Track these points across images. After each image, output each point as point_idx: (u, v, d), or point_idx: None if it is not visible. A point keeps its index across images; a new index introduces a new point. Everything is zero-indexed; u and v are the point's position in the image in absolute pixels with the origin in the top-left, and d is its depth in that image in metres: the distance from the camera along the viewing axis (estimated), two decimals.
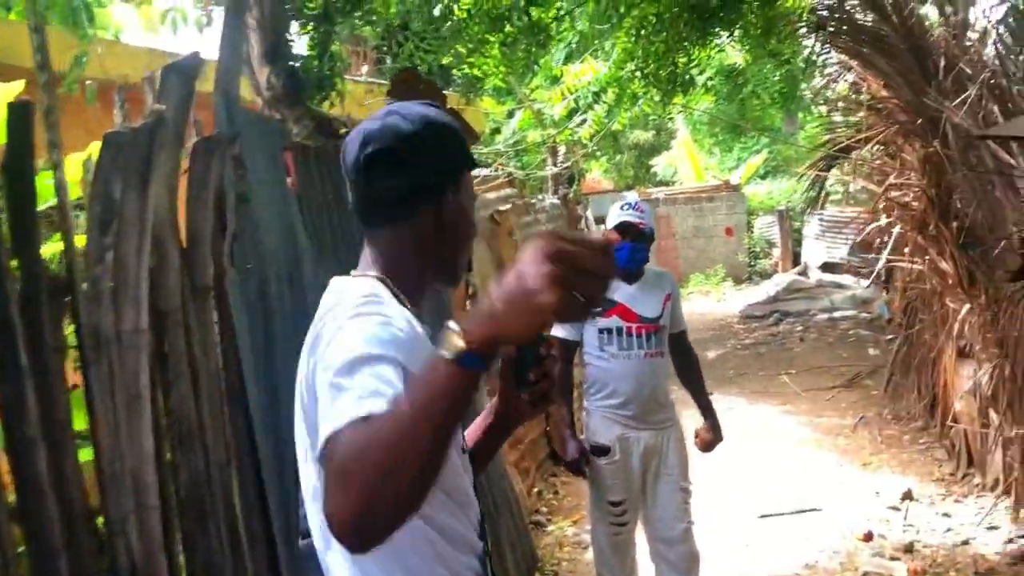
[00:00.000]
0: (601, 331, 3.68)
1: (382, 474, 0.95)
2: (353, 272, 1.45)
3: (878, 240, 10.67)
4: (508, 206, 6.23)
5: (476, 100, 9.78)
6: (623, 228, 3.56)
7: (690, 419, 4.10)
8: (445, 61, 5.61)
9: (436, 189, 1.41)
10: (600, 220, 21.27)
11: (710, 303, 17.38)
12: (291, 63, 4.36)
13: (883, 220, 6.79)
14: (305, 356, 1.31)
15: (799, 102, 10.94)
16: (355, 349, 1.14)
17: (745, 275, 19.55)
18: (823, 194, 8.94)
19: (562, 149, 8.82)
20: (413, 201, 1.40)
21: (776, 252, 19.41)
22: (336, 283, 1.43)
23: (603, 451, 3.67)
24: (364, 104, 5.21)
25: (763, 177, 22.20)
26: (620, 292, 3.60)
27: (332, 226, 3.44)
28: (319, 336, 1.26)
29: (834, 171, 8.08)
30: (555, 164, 8.27)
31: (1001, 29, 5.15)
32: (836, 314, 12.55)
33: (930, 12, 6.46)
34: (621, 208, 3.66)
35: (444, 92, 4.86)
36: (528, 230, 6.58)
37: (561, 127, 9.17)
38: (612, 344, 3.65)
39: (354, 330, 1.19)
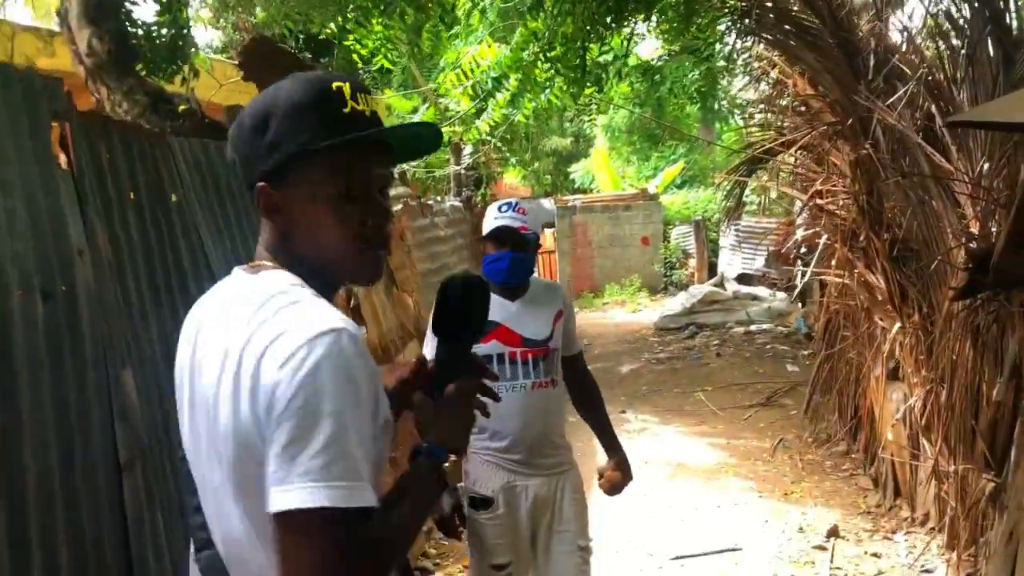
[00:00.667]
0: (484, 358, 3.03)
1: (379, 568, 1.13)
2: (253, 263, 1.33)
3: (795, 252, 10.36)
4: (399, 207, 5.53)
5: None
6: (501, 234, 2.98)
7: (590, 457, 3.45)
8: (323, 33, 4.87)
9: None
10: None
11: (625, 314, 16.94)
12: (123, 25, 3.60)
13: (806, 230, 6.31)
14: (229, 363, 1.17)
15: (717, 113, 10.53)
16: (330, 404, 1.09)
17: (661, 285, 19.28)
18: (740, 203, 8.47)
19: (467, 149, 8.16)
20: (273, 186, 1.28)
21: (692, 262, 19.16)
22: (245, 278, 1.30)
23: (485, 503, 3.00)
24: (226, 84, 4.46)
25: (680, 186, 22.02)
26: (500, 311, 2.97)
27: (148, 226, 2.71)
28: (262, 352, 1.13)
29: (752, 179, 7.63)
30: (457, 163, 7.59)
31: (942, 20, 4.68)
32: (752, 327, 12.19)
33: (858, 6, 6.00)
34: (499, 210, 3.04)
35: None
36: (424, 235, 5.89)
37: (469, 124, 8.52)
38: None
39: (325, 368, 1.10)
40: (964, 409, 4.36)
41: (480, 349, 2.89)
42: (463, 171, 7.92)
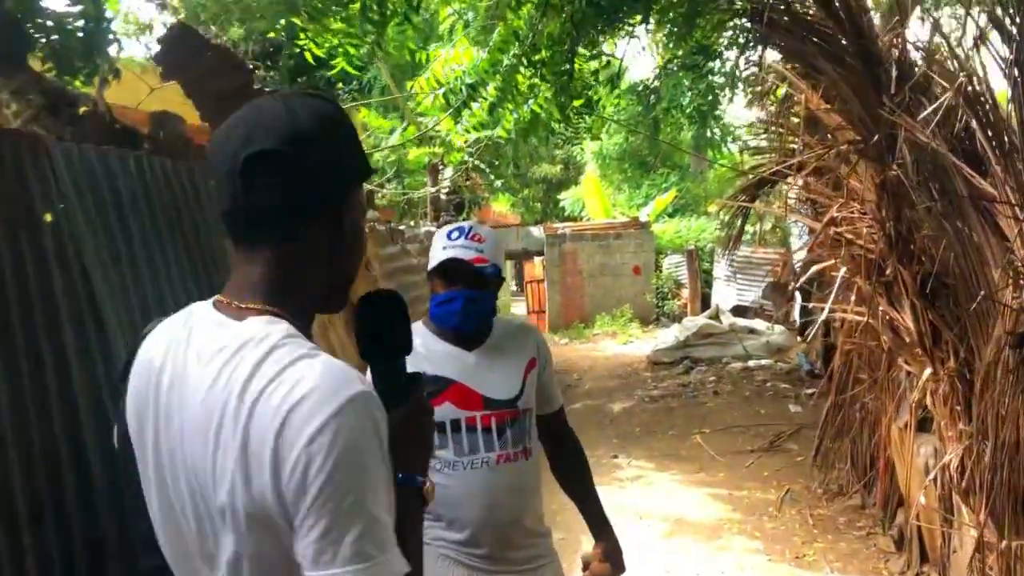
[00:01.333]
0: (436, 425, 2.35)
1: None
2: (222, 298, 1.20)
3: (794, 284, 9.76)
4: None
5: (354, 112, 8.51)
6: (451, 268, 2.31)
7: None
8: (271, 33, 4.27)
9: (332, 201, 1.22)
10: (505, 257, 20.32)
11: (616, 346, 16.35)
12: (8, 11, 2.96)
13: (821, 261, 5.71)
14: (227, 432, 1.07)
15: (710, 141, 9.98)
16: (370, 481, 1.06)
17: (653, 316, 18.75)
18: (741, 233, 7.88)
19: (448, 171, 7.56)
20: (303, 216, 1.19)
21: (685, 293, 18.59)
22: (225, 322, 1.17)
23: None
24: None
25: (672, 215, 21.47)
26: (454, 365, 2.36)
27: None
28: (281, 424, 1.04)
29: (755, 206, 7.03)
30: (435, 185, 6.98)
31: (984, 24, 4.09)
32: (750, 363, 11.57)
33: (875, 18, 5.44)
34: (448, 237, 2.36)
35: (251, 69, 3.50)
36: (394, 263, 5.25)
37: (449, 146, 7.93)
38: (446, 447, 2.34)
39: (361, 443, 1.06)
40: (1014, 472, 3.73)
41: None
42: (443, 195, 7.32)
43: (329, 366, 1.09)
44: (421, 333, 2.37)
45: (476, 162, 8.11)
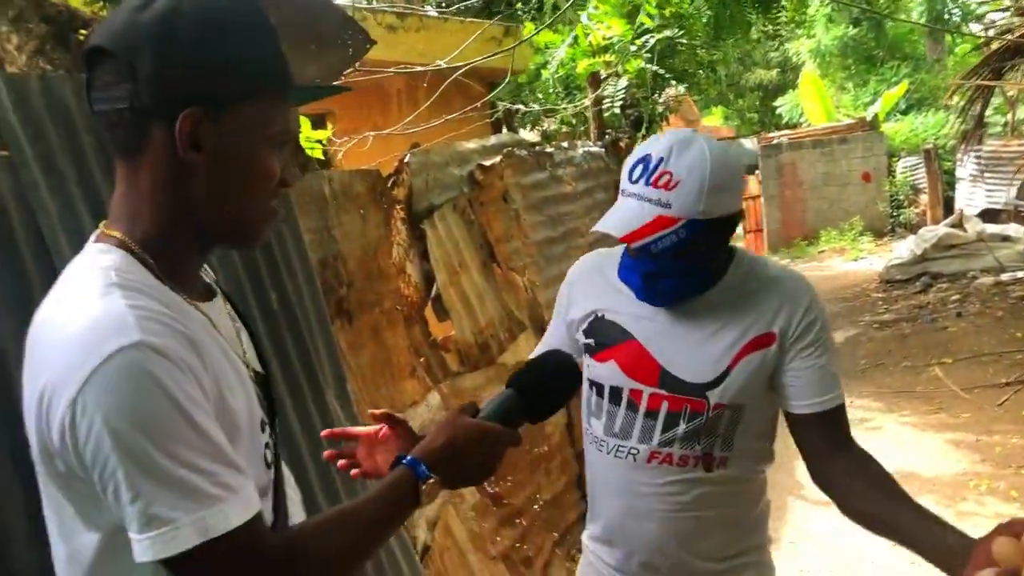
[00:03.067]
0: (591, 385, 1.77)
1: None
2: (98, 230, 1.12)
3: None
4: (498, 159, 4.20)
5: (517, 29, 7.79)
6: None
7: None
8: None
9: (166, 112, 1.03)
10: None
11: (845, 263, 14.86)
12: None
13: None
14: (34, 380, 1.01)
15: (947, 23, 8.40)
16: (139, 450, 0.95)
17: (887, 227, 16.92)
18: (981, 122, 6.46)
19: (621, 82, 6.68)
20: (141, 127, 1.05)
21: (923, 199, 16.51)
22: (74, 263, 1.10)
23: None
24: None
25: (905, 112, 19.08)
26: (641, 315, 1.68)
27: None
28: (52, 385, 0.97)
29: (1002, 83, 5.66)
30: (598, 103, 6.15)
31: None
32: (1004, 276, 9.86)
33: None
34: (629, 177, 1.58)
35: None
36: (541, 193, 4.54)
37: (624, 53, 7.02)
38: (599, 415, 1.74)
39: (123, 404, 0.95)
40: None
41: (592, 367, 1.74)
42: (615, 108, 6.50)
43: (101, 310, 0.99)
44: (612, 262, 1.76)
45: (657, 69, 7.18)
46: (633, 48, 6.95)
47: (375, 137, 5.77)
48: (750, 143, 18.85)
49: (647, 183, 1.53)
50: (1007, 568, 1.07)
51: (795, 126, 21.25)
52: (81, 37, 2.38)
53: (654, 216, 1.51)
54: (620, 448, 1.69)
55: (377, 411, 1.57)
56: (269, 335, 2.39)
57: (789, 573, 4.09)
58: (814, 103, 19.58)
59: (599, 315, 1.73)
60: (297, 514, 1.30)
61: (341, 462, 1.55)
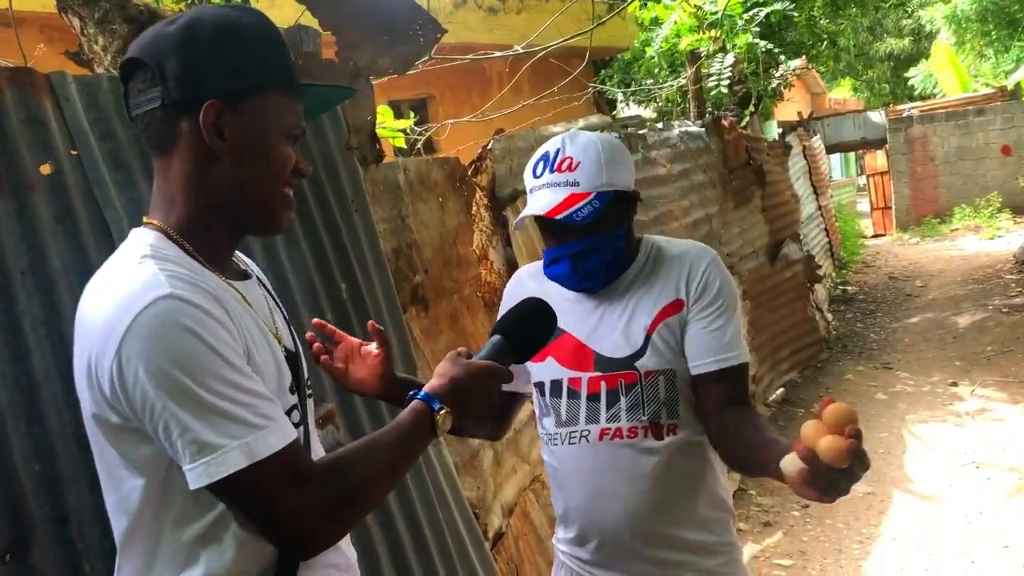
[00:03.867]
0: (536, 387, 1.90)
1: (352, 500, 1.19)
2: (144, 218, 1.27)
3: None
4: None
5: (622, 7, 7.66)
6: (541, 224, 1.82)
7: None
8: None
9: (191, 107, 1.18)
10: (834, 148, 18.17)
11: (979, 242, 14.08)
12: None
13: None
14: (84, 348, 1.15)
15: None
16: (180, 388, 1.07)
17: None
18: None
19: (728, 58, 6.47)
20: (171, 123, 1.20)
21: None
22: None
23: None
24: None
25: None
26: (570, 309, 1.79)
27: None
28: (102, 345, 1.10)
29: None
30: (697, 80, 5.98)
31: None
32: None
33: None
34: (533, 173, 1.78)
35: None
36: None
37: (732, 29, 6.80)
38: (547, 413, 1.85)
39: (160, 350, 1.08)
40: None
41: (534, 371, 1.88)
42: (722, 87, 6.30)
43: (135, 275, 1.12)
44: (537, 271, 1.92)
45: (766, 44, 6.93)
46: (742, 23, 6.72)
47: (475, 119, 5.79)
48: (878, 116, 17.98)
49: (552, 171, 1.72)
50: (804, 445, 1.18)
51: (929, 97, 20.17)
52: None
53: (567, 195, 1.68)
54: (572, 434, 1.78)
55: (375, 325, 1.68)
56: (338, 324, 2.44)
57: (889, 571, 3.93)
58: (948, 73, 18.55)
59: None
60: None
61: (316, 345, 1.65)
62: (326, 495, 1.14)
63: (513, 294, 1.94)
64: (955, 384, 6.54)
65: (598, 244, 1.72)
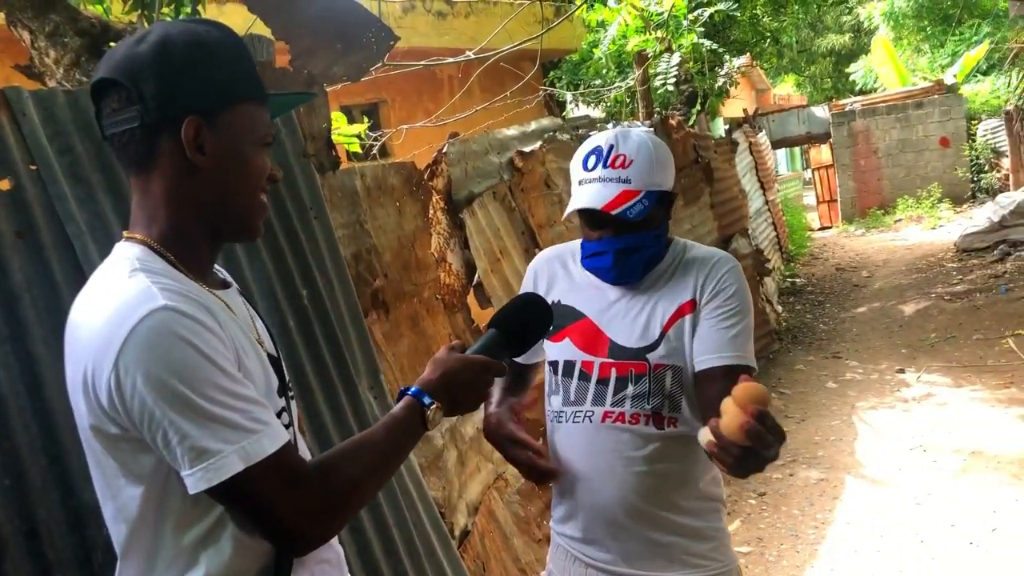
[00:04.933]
0: (549, 366, 1.96)
1: (342, 499, 1.24)
2: (124, 233, 1.29)
3: None
4: (537, 145, 4.22)
5: (568, 9, 7.74)
6: (588, 216, 1.83)
7: None
8: None
9: (170, 125, 1.21)
10: (780, 143, 18.47)
11: (922, 232, 14.45)
12: None
13: None
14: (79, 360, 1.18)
15: None
16: (176, 387, 1.11)
17: (967, 193, 16.33)
18: None
19: (674, 58, 6.58)
20: (150, 142, 1.23)
21: (1006, 163, 15.87)
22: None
23: None
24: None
25: (985, 72, 18.30)
26: (592, 296, 1.89)
27: None
28: (100, 354, 1.13)
29: None
30: (644, 81, 6.07)
31: None
32: None
33: None
34: (584, 165, 1.82)
35: None
36: None
37: (677, 29, 6.91)
38: (556, 391, 1.91)
39: (155, 359, 1.11)
40: None
41: (551, 350, 1.94)
42: (668, 86, 6.41)
43: (128, 288, 1.16)
44: (572, 252, 1.96)
45: (711, 44, 7.05)
46: (687, 23, 6.84)
47: (429, 124, 5.82)
48: (821, 111, 18.34)
49: (604, 166, 1.77)
50: (714, 421, 1.29)
51: (870, 92, 20.60)
52: (111, 47, 2.48)
53: (620, 191, 1.73)
54: (577, 414, 1.84)
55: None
56: (300, 330, 2.47)
57: (843, 554, 4.04)
58: (888, 68, 18.98)
59: (556, 301, 1.90)
60: None
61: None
62: (320, 494, 1.18)
63: (538, 272, 2.00)
64: (902, 371, 6.72)
65: (643, 242, 1.80)
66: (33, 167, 1.95)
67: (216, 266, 1.42)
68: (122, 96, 1.21)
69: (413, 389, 1.35)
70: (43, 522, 1.72)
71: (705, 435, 1.35)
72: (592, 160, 1.80)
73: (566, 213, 1.86)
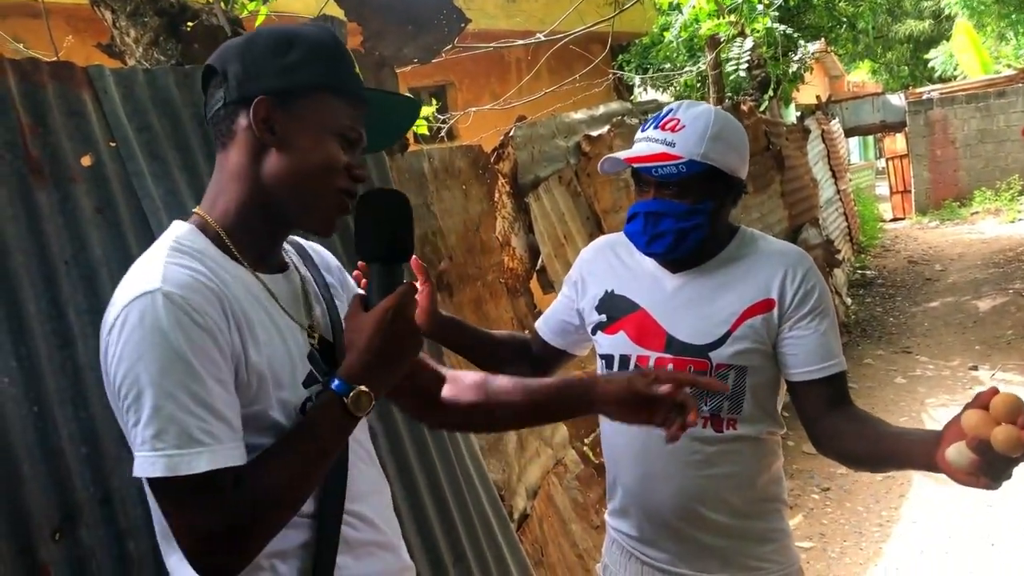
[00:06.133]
0: (602, 359, 1.87)
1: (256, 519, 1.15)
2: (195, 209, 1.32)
3: None
4: (605, 129, 4.18)
5: None
6: (635, 173, 1.76)
7: None
8: None
9: (247, 104, 1.25)
10: (853, 132, 18.04)
11: (999, 226, 14.00)
12: None
13: None
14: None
15: None
16: (147, 374, 1.10)
17: None
18: None
19: (747, 43, 6.47)
20: (231, 120, 1.28)
21: None
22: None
23: None
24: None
25: None
26: (648, 285, 1.81)
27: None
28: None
29: None
30: (716, 65, 5.98)
31: None
32: None
33: None
34: (642, 128, 1.77)
35: None
36: None
37: (750, 13, 6.79)
38: None
39: (138, 336, 1.11)
40: None
41: (602, 342, 1.86)
42: (740, 71, 6.30)
43: (139, 265, 1.20)
44: (623, 242, 1.87)
45: (785, 29, 6.91)
46: (761, 7, 6.70)
47: (497, 107, 5.82)
48: (897, 99, 17.86)
49: (656, 127, 1.71)
50: (975, 435, 1.16)
51: (949, 79, 19.99)
52: (189, 28, 2.53)
53: (660, 151, 1.66)
54: None
55: (419, 261, 1.76)
56: None
57: (909, 554, 3.96)
58: (969, 55, 18.37)
59: (610, 291, 1.84)
60: (364, 468, 1.40)
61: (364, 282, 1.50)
62: (232, 517, 1.12)
63: (590, 261, 1.95)
64: (975, 368, 6.53)
65: (673, 209, 1.68)
66: (112, 144, 2.00)
67: (316, 246, 1.48)
68: (216, 80, 1.29)
69: (333, 382, 1.22)
70: (116, 490, 1.77)
71: (963, 454, 1.20)
72: (649, 122, 1.75)
73: (599, 165, 1.81)
